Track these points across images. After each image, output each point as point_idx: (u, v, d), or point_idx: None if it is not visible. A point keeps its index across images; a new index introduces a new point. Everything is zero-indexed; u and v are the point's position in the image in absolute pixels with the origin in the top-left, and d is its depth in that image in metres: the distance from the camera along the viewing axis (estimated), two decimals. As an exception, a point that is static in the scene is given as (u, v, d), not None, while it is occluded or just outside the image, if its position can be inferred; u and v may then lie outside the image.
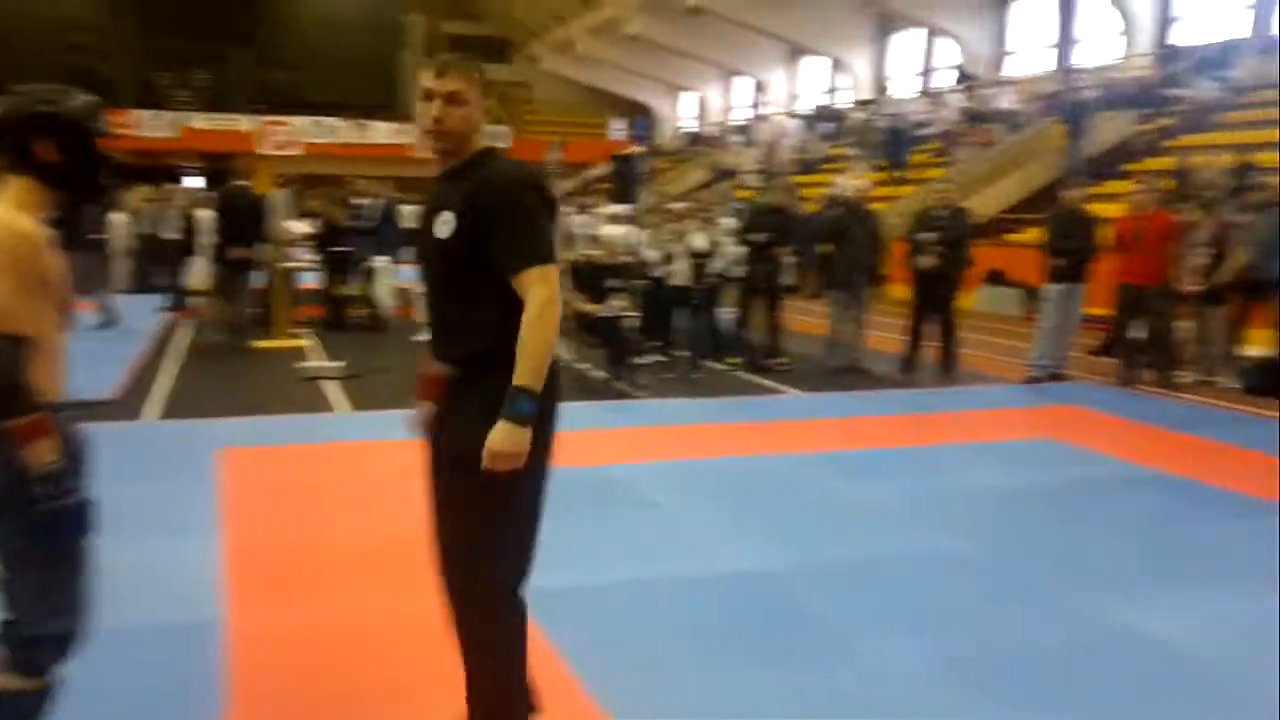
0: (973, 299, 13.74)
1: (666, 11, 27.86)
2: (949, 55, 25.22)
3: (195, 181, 22.30)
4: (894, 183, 19.58)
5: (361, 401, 7.71)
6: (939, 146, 21.07)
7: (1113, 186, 14.21)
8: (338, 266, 11.84)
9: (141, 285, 14.48)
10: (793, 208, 11.18)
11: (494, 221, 2.52)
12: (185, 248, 11.25)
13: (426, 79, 2.59)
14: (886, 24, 26.99)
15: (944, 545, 4.75)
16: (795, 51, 30.20)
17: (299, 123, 25.64)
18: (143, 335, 10.72)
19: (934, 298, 9.19)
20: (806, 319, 10.89)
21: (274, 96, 32.00)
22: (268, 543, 4.58)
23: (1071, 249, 8.87)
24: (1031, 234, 13.36)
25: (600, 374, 8.70)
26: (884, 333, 9.93)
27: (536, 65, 36.47)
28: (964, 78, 23.46)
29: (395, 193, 13.89)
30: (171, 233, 13.16)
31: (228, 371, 9.14)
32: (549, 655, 3.29)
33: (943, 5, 23.83)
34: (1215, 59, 17.70)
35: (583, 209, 13.46)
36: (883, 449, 6.64)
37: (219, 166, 15.51)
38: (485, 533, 2.61)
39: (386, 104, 32.98)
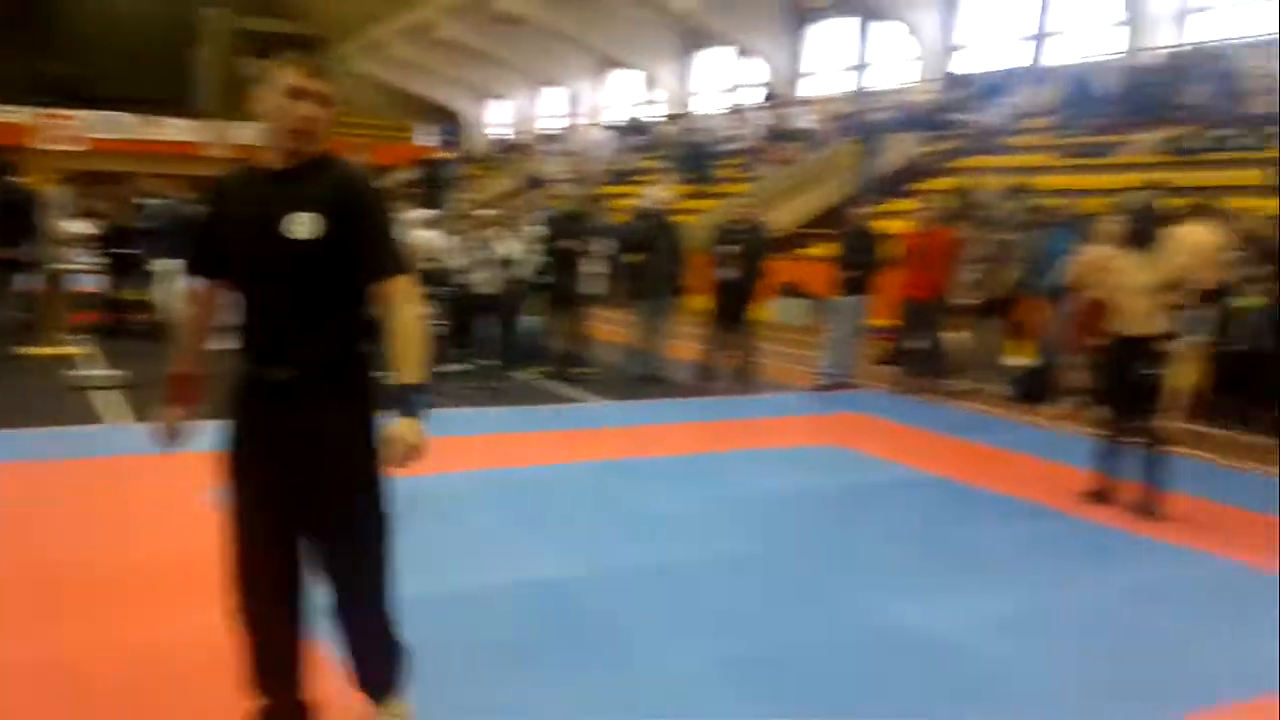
0: (768, 310, 14.21)
1: (479, 17, 27.67)
2: (752, 73, 26.04)
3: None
4: (699, 196, 20.05)
5: (146, 413, 7.29)
6: (743, 162, 21.71)
7: (901, 205, 14.99)
8: (121, 269, 11.17)
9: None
10: (594, 216, 11.29)
11: (362, 225, 2.56)
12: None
13: (296, 77, 2.55)
14: (693, 40, 27.64)
15: (731, 549, 4.88)
16: (606, 63, 30.53)
17: (85, 117, 24.14)
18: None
19: (733, 308, 9.47)
20: (612, 328, 11.01)
21: (57, 89, 29.94)
22: (20, 567, 4.27)
23: (859, 263, 9.32)
24: (822, 248, 13.94)
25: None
26: (685, 342, 10.15)
27: (345, 66, 35.51)
28: (766, 95, 24.27)
29: (186, 192, 13.22)
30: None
31: (-10, 381, 8.49)
32: (334, 671, 3.21)
33: (745, 25, 24.61)
34: (996, 86, 18.94)
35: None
36: (678, 456, 6.79)
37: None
38: (385, 557, 2.79)
39: (180, 100, 31.39)
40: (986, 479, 6.37)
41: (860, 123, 18.94)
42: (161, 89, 32.21)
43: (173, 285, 11.47)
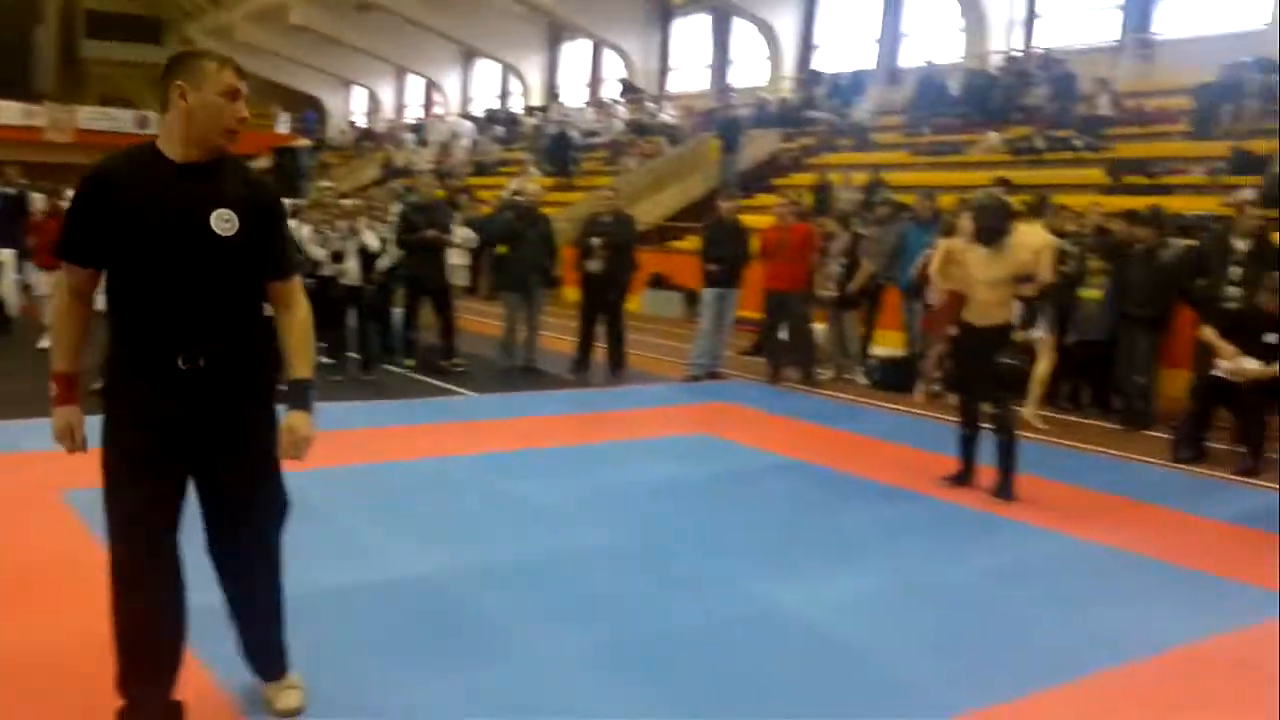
0: (638, 302, 14.34)
1: (333, 3, 26.96)
2: (616, 68, 26.15)
3: None
4: (564, 188, 20.04)
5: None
6: (607, 155, 21.79)
7: (762, 199, 15.30)
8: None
9: None
10: (457, 206, 11.17)
11: (272, 225, 2.74)
12: None
13: (232, 79, 2.62)
14: (556, 33, 27.60)
15: (602, 539, 4.92)
16: (468, 54, 30.20)
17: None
18: None
19: (602, 300, 9.51)
20: (481, 320, 10.92)
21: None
22: None
23: (725, 256, 9.48)
24: (691, 241, 14.13)
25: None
26: (556, 334, 10.13)
27: (191, 49, 34.06)
28: (628, 90, 24.40)
29: (22, 179, 12.48)
30: None
31: None
32: (199, 673, 3.11)
33: (609, 19, 24.70)
34: (848, 86, 19.52)
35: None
36: (549, 447, 6.78)
37: None
38: (280, 538, 2.94)
39: (18, 83, 29.63)
40: (852, 465, 6.57)
41: (721, 118, 19.23)
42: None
43: (10, 276, 10.89)
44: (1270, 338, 6.75)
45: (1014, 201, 7.78)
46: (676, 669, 3.53)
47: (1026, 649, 3.83)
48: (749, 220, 10.67)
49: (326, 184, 12.50)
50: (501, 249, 9.93)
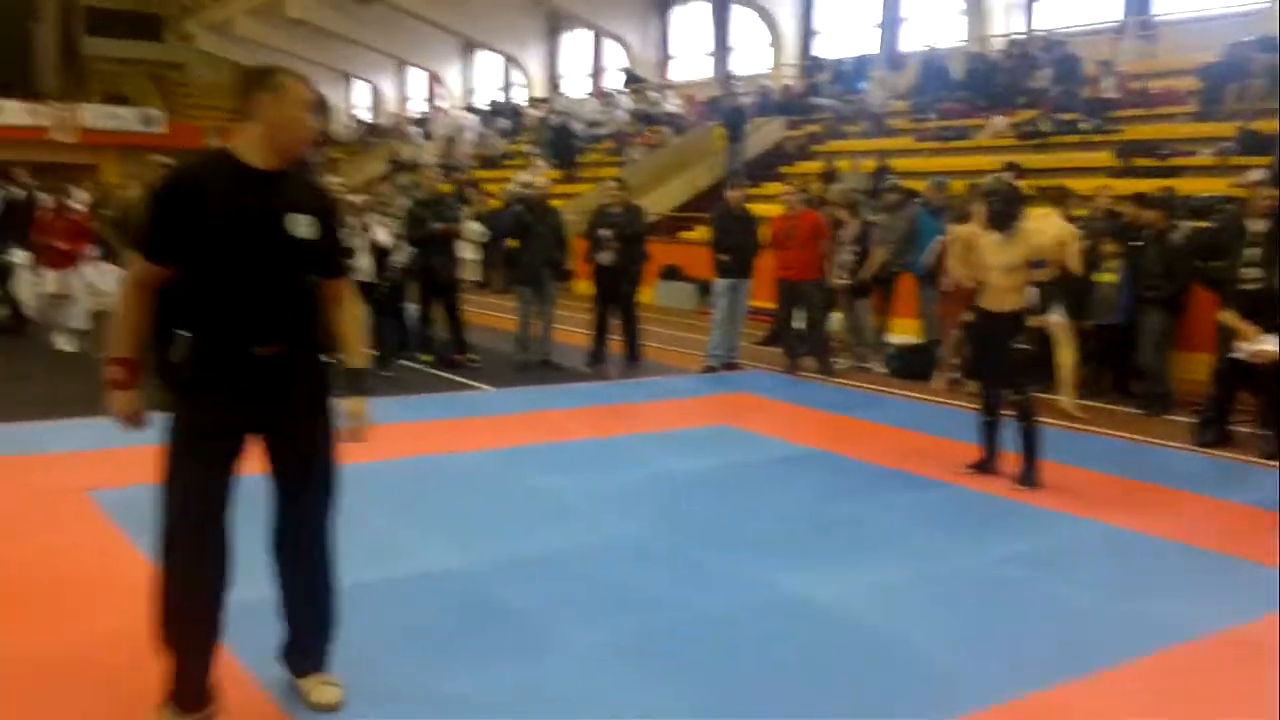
0: (651, 293, 14.33)
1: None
2: (617, 57, 26.07)
3: None
4: (569, 180, 20.00)
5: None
6: (611, 146, 21.73)
7: (770, 188, 15.27)
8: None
9: None
10: (466, 200, 11.15)
11: (334, 230, 3.02)
12: None
13: (309, 94, 2.86)
14: (556, 23, 27.49)
15: (629, 531, 4.94)
16: (469, 46, 30.10)
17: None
18: None
19: (615, 292, 9.51)
20: (496, 315, 10.92)
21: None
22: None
23: (735, 246, 9.46)
24: (701, 232, 14.11)
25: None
26: (571, 327, 10.12)
27: (192, 45, 34.00)
28: (631, 79, 24.33)
29: (30, 179, 12.48)
30: None
31: None
32: (235, 670, 3.13)
33: (608, 8, 24.59)
34: (851, 72, 19.44)
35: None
36: (570, 441, 6.81)
37: None
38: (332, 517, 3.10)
39: (19, 81, 29.55)
40: (875, 454, 6.57)
41: (725, 107, 19.18)
42: (1, 71, 30.26)
43: (27, 277, 10.89)
44: (1290, 319, 6.73)
45: (1025, 185, 7.77)
46: (707, 660, 3.55)
47: (1059, 637, 3.84)
48: (758, 209, 10.65)
49: (336, 180, 12.47)
50: (512, 243, 9.92)
